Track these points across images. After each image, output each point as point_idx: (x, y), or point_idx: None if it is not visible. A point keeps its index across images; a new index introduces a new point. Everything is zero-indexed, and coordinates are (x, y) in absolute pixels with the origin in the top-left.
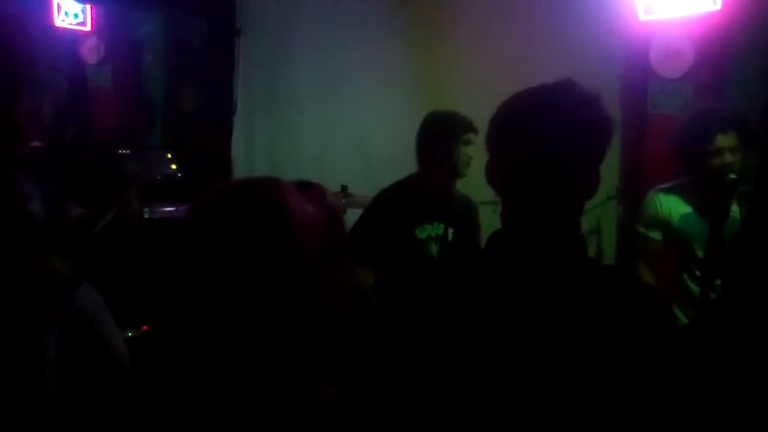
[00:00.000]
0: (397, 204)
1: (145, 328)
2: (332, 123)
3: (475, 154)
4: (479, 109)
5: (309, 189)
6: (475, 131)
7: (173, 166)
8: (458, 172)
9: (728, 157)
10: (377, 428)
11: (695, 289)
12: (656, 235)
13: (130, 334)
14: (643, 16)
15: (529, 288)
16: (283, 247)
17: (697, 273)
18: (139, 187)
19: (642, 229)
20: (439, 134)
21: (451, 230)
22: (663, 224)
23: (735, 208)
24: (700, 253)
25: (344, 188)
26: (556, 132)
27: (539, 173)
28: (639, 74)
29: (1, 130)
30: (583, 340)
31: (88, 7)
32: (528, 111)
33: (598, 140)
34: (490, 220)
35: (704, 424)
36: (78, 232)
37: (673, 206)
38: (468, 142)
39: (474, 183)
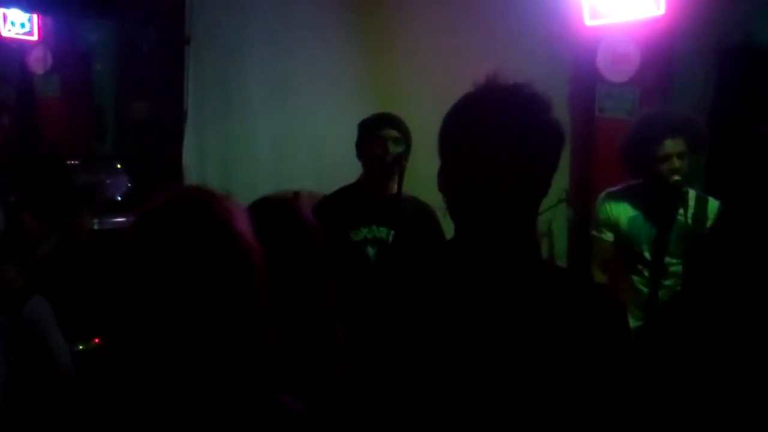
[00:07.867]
0: (332, 207)
1: (96, 340)
2: (285, 129)
3: (427, 159)
4: (430, 113)
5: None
6: (394, 127)
7: (129, 185)
8: (377, 169)
9: (676, 162)
10: None
11: (644, 289)
12: (609, 237)
13: (81, 347)
14: (589, 21)
15: (484, 291)
16: (223, 253)
17: (646, 273)
18: (96, 206)
19: (595, 232)
20: (360, 132)
21: (392, 232)
22: (613, 226)
23: (681, 211)
24: (647, 255)
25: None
26: (512, 136)
27: (494, 179)
28: (586, 78)
29: None
30: (542, 342)
31: (34, 16)
32: (481, 116)
33: (553, 143)
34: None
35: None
36: (34, 245)
37: (621, 209)
38: (385, 138)
39: (426, 188)
